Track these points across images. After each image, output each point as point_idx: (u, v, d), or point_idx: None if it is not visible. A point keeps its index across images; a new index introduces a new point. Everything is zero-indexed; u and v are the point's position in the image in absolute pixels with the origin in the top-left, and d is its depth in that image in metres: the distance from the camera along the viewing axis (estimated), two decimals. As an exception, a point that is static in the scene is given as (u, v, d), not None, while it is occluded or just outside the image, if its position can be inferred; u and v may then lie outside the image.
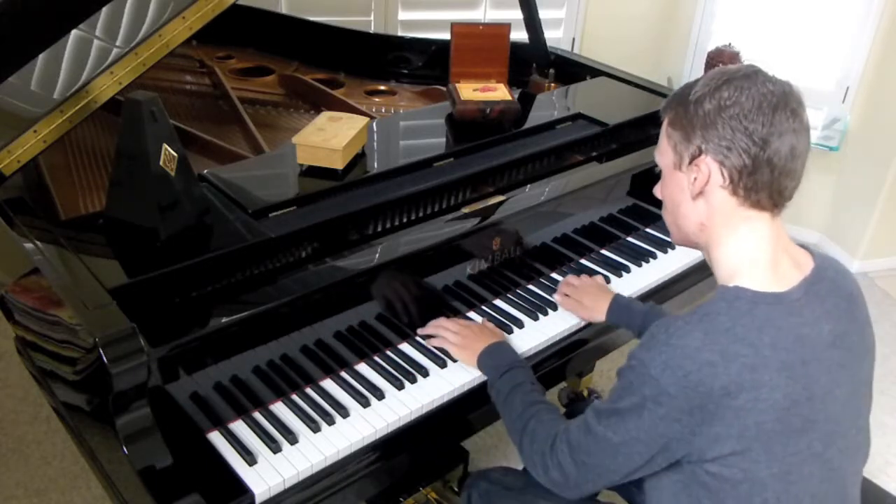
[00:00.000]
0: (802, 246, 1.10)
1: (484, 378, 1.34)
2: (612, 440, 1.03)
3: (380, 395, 1.30)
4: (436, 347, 1.41)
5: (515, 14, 2.05)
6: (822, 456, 1.02)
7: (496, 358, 1.32)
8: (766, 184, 1.00)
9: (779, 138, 0.98)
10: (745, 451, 0.97)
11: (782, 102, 0.98)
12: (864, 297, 1.11)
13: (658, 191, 1.15)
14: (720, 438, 0.97)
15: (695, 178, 1.04)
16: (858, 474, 1.13)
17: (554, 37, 3.11)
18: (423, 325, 1.45)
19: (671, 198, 1.11)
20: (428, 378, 1.35)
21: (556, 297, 1.56)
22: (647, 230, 1.84)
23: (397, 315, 1.41)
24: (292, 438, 1.20)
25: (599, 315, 1.50)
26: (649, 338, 1.01)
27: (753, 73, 1.01)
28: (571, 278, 1.59)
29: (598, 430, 1.05)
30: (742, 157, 0.99)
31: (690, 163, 1.04)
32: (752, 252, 1.04)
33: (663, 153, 1.09)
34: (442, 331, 1.40)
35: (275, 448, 1.18)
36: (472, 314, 1.51)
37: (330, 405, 1.27)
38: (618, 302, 1.50)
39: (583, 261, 1.71)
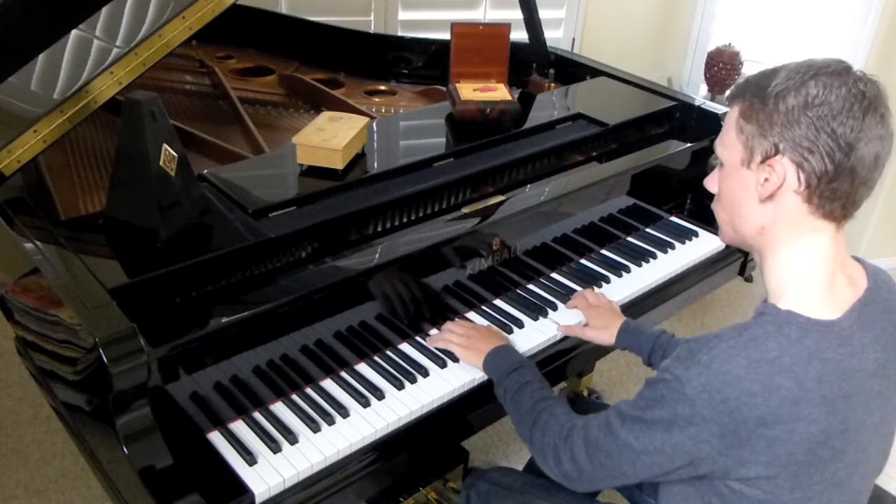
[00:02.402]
0: (856, 259, 1.05)
1: (484, 378, 1.34)
2: (635, 447, 1.00)
3: (380, 395, 1.30)
4: (438, 348, 1.41)
5: (515, 14, 2.05)
6: (844, 483, 0.99)
7: (503, 358, 1.30)
8: (843, 193, 0.92)
9: (866, 145, 0.90)
10: (770, 477, 0.94)
11: (873, 105, 0.90)
12: None
13: (712, 184, 1.07)
14: (747, 463, 0.94)
15: (766, 179, 0.95)
16: (871, 489, 1.10)
17: (554, 37, 3.11)
18: (423, 324, 1.45)
19: (731, 195, 1.02)
20: (428, 378, 1.35)
21: (567, 311, 1.54)
22: (647, 230, 1.84)
23: (397, 315, 1.41)
24: (292, 438, 1.20)
25: (607, 339, 1.46)
26: (688, 354, 0.95)
27: (844, 71, 0.92)
28: (588, 293, 1.54)
29: (620, 433, 1.01)
30: (824, 162, 0.90)
31: (763, 161, 0.95)
32: (810, 268, 0.97)
33: (730, 147, 1.00)
34: (447, 333, 1.40)
35: (275, 448, 1.18)
36: (472, 314, 1.51)
37: (330, 405, 1.27)
38: (627, 326, 1.45)
39: (583, 261, 1.71)
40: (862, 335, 0.97)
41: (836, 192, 0.93)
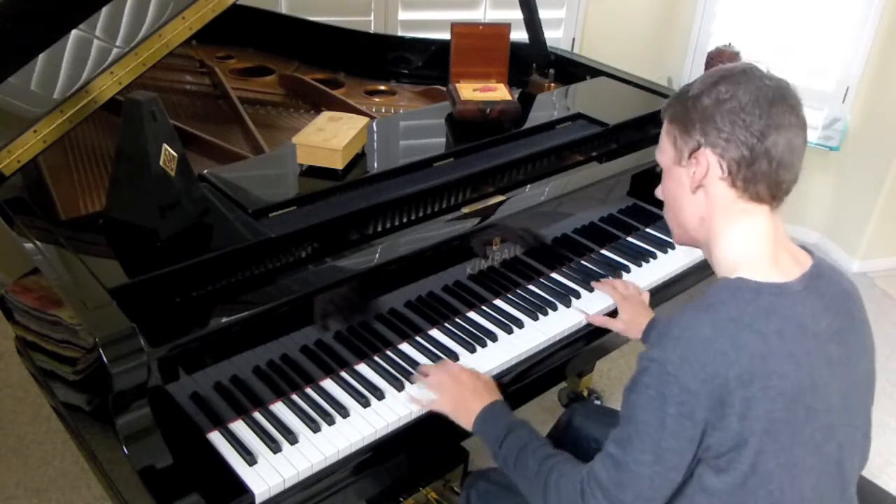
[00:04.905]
0: (801, 246, 1.11)
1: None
2: (645, 460, 0.99)
3: (380, 395, 1.30)
4: (437, 349, 1.40)
5: (515, 14, 2.05)
6: (822, 448, 1.02)
7: (491, 424, 1.24)
8: (764, 175, 1.01)
9: (776, 131, 0.99)
10: (754, 443, 0.97)
11: (779, 97, 1.00)
12: (861, 298, 1.11)
13: (659, 192, 1.16)
14: (733, 431, 0.96)
15: (694, 172, 1.05)
16: (856, 475, 1.12)
17: (554, 37, 3.11)
18: (423, 324, 1.45)
19: (672, 195, 1.12)
20: (428, 378, 1.35)
21: (597, 287, 1.60)
22: (647, 230, 1.84)
23: (397, 315, 1.41)
24: (292, 438, 1.20)
25: (634, 333, 1.49)
26: (658, 338, 1.01)
27: (749, 69, 1.03)
28: (618, 283, 1.59)
29: (626, 459, 1.01)
30: (740, 149, 1.01)
31: (690, 157, 1.06)
32: (752, 245, 1.05)
33: (664, 151, 1.11)
34: (432, 383, 1.31)
35: (275, 448, 1.18)
36: (472, 314, 1.51)
37: (330, 405, 1.27)
38: (655, 323, 1.48)
39: (583, 261, 1.71)
40: (813, 302, 1.04)
41: (757, 175, 1.02)
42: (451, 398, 1.28)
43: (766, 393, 0.96)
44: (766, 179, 1.02)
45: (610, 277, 1.63)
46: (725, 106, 1.01)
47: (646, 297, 1.58)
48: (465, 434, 1.44)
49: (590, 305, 1.56)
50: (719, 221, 1.07)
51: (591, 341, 1.54)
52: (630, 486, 1.01)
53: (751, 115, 1.00)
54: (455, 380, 1.30)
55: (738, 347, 0.96)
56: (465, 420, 1.26)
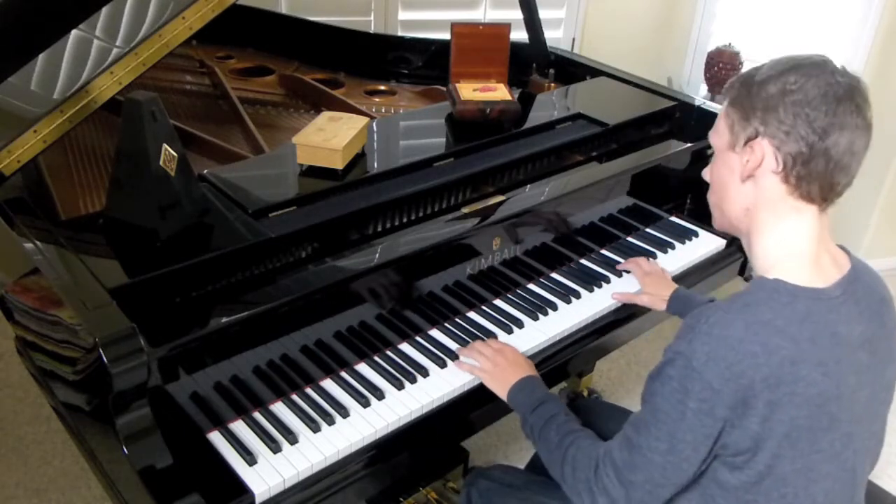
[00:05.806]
0: (839, 246, 1.09)
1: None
2: (659, 448, 1.00)
3: (380, 395, 1.30)
4: (438, 349, 1.41)
5: (515, 14, 2.05)
6: (840, 456, 1.02)
7: (527, 394, 1.27)
8: (819, 174, 0.98)
9: (839, 131, 0.96)
10: (772, 446, 0.96)
11: (848, 96, 0.97)
12: (894, 303, 1.09)
13: (707, 173, 1.14)
14: (752, 431, 0.96)
15: (747, 161, 1.02)
16: (866, 478, 1.12)
17: (554, 37, 3.11)
18: (423, 324, 1.45)
19: (719, 179, 1.09)
20: (428, 378, 1.35)
21: (621, 266, 1.67)
22: (647, 230, 1.84)
23: (397, 315, 1.41)
24: (292, 438, 1.20)
25: (660, 305, 1.54)
26: (687, 330, 0.99)
27: (822, 62, 0.99)
28: (642, 261, 1.65)
29: (641, 442, 1.02)
30: (799, 144, 0.97)
31: (745, 144, 1.02)
32: (795, 244, 1.02)
33: (719, 133, 1.07)
34: (475, 353, 1.36)
35: (275, 448, 1.18)
36: (472, 314, 1.51)
37: (330, 405, 1.27)
38: (678, 294, 1.53)
39: (583, 261, 1.71)
40: (848, 308, 1.02)
41: (812, 173, 0.98)
42: (491, 365, 1.33)
43: (792, 399, 0.95)
44: (819, 179, 0.98)
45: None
46: (791, 97, 0.97)
47: (667, 273, 1.63)
48: (465, 434, 1.44)
49: (590, 306, 1.56)
50: (764, 215, 1.04)
51: (591, 341, 1.54)
52: (641, 470, 1.02)
53: (816, 111, 0.96)
54: (498, 351, 1.36)
55: (769, 351, 0.94)
56: (501, 387, 1.30)
